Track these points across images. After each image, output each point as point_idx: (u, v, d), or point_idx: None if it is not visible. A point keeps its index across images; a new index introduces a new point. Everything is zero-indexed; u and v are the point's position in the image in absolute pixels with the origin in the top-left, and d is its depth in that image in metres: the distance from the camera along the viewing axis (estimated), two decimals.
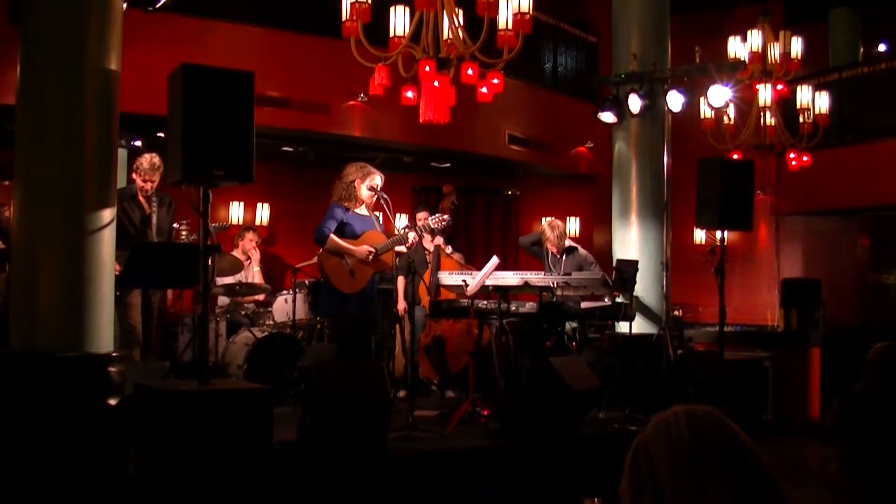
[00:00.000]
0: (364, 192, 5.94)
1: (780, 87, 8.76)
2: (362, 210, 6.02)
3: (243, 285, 7.43)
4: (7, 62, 5.00)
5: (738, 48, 8.71)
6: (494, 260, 6.03)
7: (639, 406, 5.93)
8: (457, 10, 5.61)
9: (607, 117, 7.64)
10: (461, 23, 5.62)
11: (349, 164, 6.07)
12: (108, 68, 4.48)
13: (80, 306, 4.34)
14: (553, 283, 6.09)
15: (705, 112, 8.47)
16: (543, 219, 11.10)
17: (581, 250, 7.44)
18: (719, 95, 7.39)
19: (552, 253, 7.36)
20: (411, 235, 5.92)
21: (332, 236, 5.84)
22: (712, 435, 1.39)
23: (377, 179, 5.96)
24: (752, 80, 8.70)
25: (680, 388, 6.04)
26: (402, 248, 5.92)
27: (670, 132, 7.45)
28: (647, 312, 7.42)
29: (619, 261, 7.23)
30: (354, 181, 5.94)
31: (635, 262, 6.72)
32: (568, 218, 11.09)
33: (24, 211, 4.42)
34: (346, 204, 5.94)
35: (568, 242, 7.40)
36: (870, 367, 2.76)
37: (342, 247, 5.83)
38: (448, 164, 10.16)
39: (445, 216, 6.29)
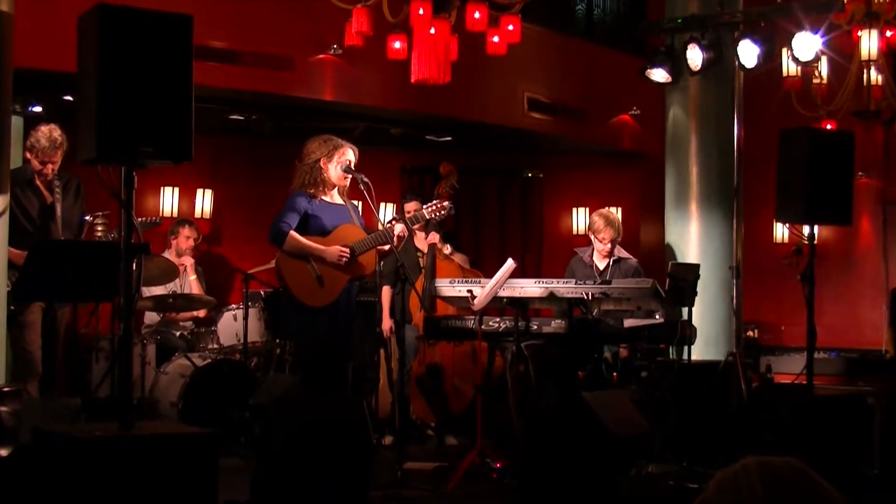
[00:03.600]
0: (333, 172, 5.94)
1: (889, 33, 8.76)
2: (334, 198, 6.03)
3: (178, 297, 7.44)
4: None
5: None
6: (510, 264, 6.04)
7: (700, 457, 5.94)
8: None
9: (659, 75, 7.65)
10: None
11: (311, 138, 6.07)
12: None
13: None
14: (587, 295, 6.10)
15: (789, 68, 8.48)
16: (577, 209, 11.12)
17: (632, 259, 7.44)
18: (808, 46, 7.40)
19: (590, 263, 7.33)
20: (398, 228, 5.92)
21: (293, 233, 5.85)
22: (795, 496, 1.39)
23: (349, 154, 5.97)
24: (851, 25, 8.70)
25: (755, 433, 6.05)
26: (387, 248, 5.93)
27: (742, 95, 7.44)
28: (712, 333, 7.42)
29: (674, 265, 7.22)
30: (319, 160, 5.94)
31: (696, 267, 6.73)
32: (607, 208, 11.09)
33: None
34: (310, 191, 5.93)
35: (617, 251, 7.38)
36: None
37: (307, 246, 5.84)
38: (449, 138, 10.17)
39: (445, 203, 6.29)
